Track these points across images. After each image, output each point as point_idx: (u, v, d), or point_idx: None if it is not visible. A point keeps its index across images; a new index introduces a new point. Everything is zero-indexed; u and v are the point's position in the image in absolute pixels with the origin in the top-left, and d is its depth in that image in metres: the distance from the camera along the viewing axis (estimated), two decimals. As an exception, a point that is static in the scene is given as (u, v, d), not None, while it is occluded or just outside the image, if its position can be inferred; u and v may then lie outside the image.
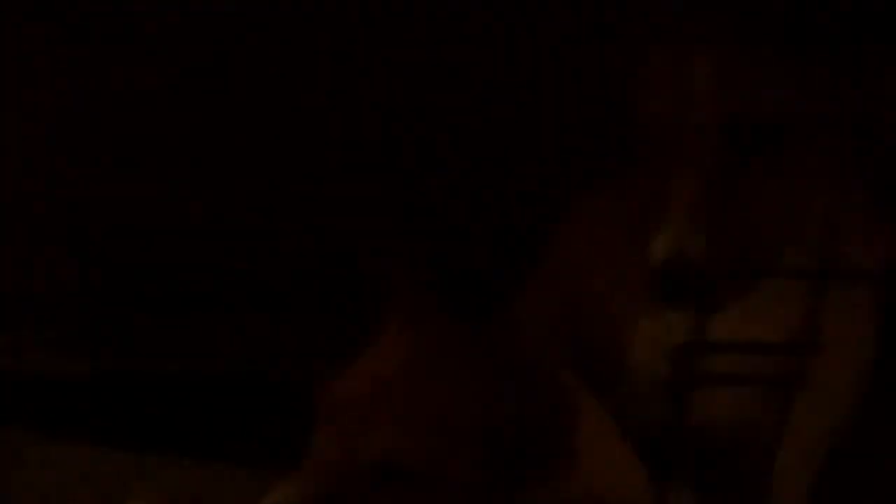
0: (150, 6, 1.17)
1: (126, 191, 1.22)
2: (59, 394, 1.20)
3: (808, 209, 0.69)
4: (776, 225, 0.67)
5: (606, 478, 0.75)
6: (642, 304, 0.81)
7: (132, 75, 1.20)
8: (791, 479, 0.83)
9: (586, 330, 0.85)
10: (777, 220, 0.67)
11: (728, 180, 0.64)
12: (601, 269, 0.86)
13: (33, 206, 1.22)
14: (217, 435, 1.13)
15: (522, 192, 1.19)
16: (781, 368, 0.55)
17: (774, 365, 0.56)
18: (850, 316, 0.73)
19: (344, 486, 0.72)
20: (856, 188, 0.73)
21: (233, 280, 1.26)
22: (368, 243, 1.21)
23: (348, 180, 1.23)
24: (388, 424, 0.72)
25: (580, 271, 0.87)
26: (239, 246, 1.25)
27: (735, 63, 0.64)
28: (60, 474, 1.08)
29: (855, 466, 0.93)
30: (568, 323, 0.88)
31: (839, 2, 0.67)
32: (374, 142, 1.22)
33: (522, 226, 1.13)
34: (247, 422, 1.15)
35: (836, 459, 0.88)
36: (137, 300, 1.25)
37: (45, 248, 1.23)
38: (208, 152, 1.22)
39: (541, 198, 1.15)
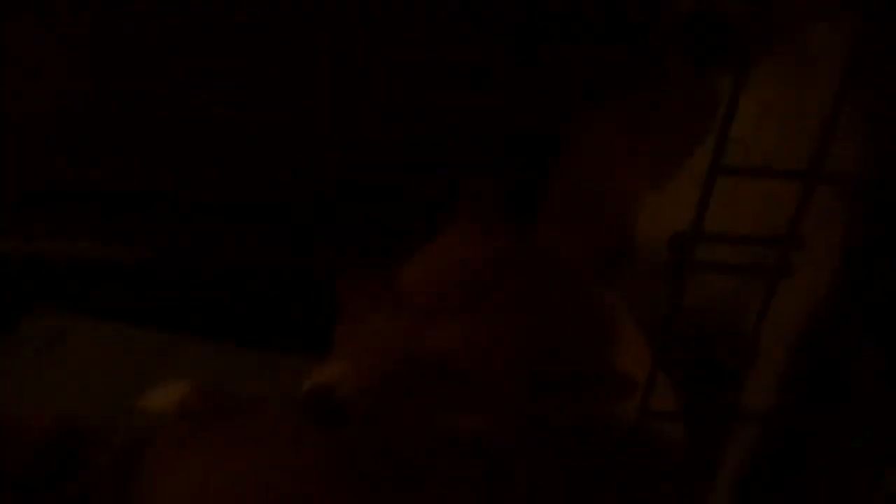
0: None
1: (168, 90, 1.27)
2: (105, 279, 1.28)
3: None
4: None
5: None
6: (648, 182, 0.86)
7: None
8: (765, 365, 0.90)
9: (600, 219, 0.90)
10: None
11: None
12: (612, 160, 0.91)
13: (82, 113, 1.28)
14: (246, 320, 1.22)
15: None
16: (768, 260, 0.60)
17: (762, 257, 0.61)
18: (825, 212, 0.78)
19: (400, 373, 0.74)
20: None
21: (272, 178, 1.31)
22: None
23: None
24: (455, 323, 0.74)
25: (594, 166, 0.93)
26: (287, 146, 1.30)
27: None
28: (103, 352, 1.18)
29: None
30: (586, 217, 0.93)
31: None
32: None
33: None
34: (274, 309, 1.23)
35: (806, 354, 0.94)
36: (180, 195, 1.31)
37: (93, 148, 1.28)
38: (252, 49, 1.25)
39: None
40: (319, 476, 0.83)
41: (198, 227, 1.31)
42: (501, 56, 1.23)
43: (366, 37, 1.23)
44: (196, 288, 1.27)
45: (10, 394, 1.11)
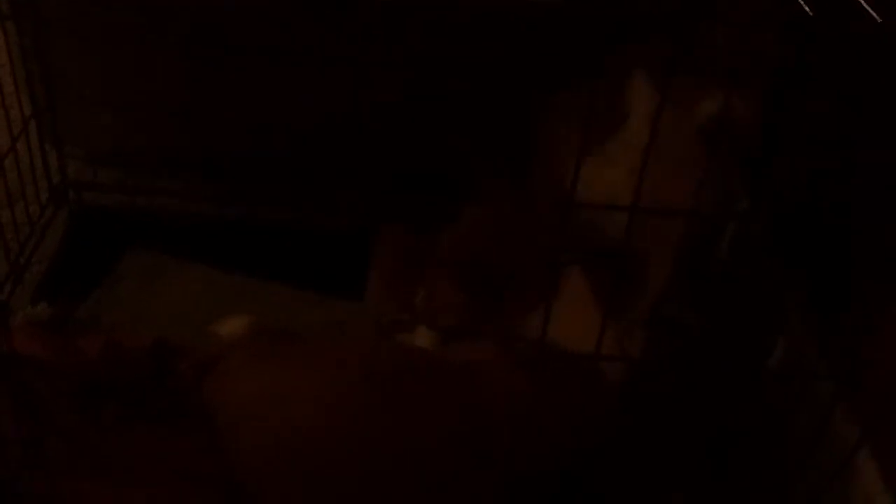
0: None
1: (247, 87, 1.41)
2: (191, 228, 1.44)
3: None
4: None
5: (573, 329, 0.97)
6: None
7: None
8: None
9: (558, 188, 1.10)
10: None
11: None
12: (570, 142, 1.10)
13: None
14: (303, 269, 1.36)
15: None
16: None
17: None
18: None
19: None
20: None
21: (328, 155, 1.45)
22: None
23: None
24: None
25: (557, 152, 1.12)
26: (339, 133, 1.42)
27: None
28: (188, 287, 1.33)
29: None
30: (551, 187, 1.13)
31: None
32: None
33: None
34: (326, 260, 1.37)
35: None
36: (257, 164, 1.46)
37: (185, 124, 1.43)
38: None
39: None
40: (349, 387, 1.00)
41: (270, 192, 1.46)
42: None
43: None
44: (263, 239, 1.41)
45: (117, 317, 1.27)
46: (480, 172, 1.31)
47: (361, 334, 1.24)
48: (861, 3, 0.73)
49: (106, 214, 1.47)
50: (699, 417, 1.12)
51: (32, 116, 1.38)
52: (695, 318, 1.15)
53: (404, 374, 1.04)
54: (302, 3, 1.31)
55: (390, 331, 1.22)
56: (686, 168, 0.98)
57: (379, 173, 1.43)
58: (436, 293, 1.19)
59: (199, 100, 1.43)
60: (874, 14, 0.73)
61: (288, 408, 1.00)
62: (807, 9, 0.71)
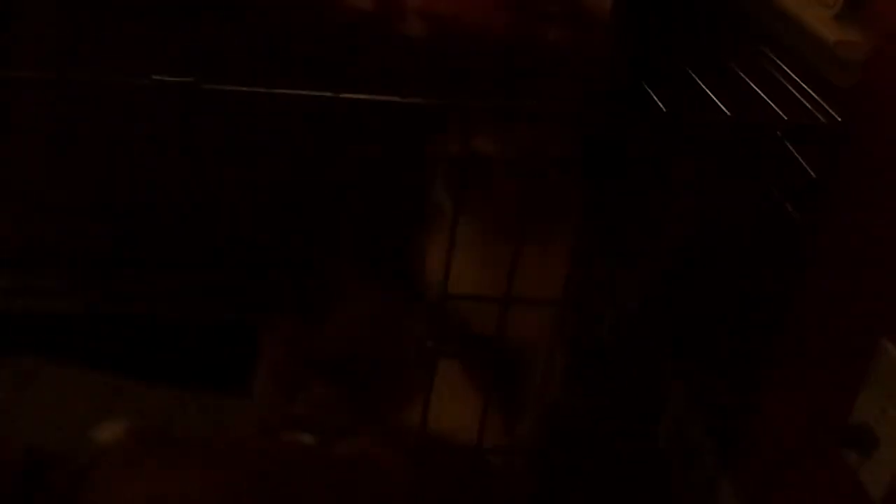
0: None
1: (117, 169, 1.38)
2: (63, 330, 1.37)
3: None
4: None
5: (455, 419, 0.98)
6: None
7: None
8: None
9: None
10: None
11: None
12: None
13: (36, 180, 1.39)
14: (182, 366, 1.32)
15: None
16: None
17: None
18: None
19: None
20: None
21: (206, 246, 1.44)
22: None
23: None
24: None
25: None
26: (213, 222, 1.42)
27: None
28: (63, 392, 1.28)
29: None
30: None
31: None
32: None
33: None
34: (206, 356, 1.34)
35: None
36: (127, 257, 1.43)
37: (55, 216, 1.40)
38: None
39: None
40: (233, 490, 0.98)
41: (149, 287, 1.44)
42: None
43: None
44: (144, 338, 1.37)
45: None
46: (350, 267, 1.32)
47: (246, 433, 1.20)
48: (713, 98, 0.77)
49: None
50: (591, 498, 1.12)
51: None
52: (582, 402, 1.16)
53: (289, 474, 1.02)
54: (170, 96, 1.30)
55: (277, 428, 1.19)
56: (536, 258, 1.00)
57: (261, 264, 1.42)
58: (312, 389, 1.18)
59: (73, 196, 1.41)
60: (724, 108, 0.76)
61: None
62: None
